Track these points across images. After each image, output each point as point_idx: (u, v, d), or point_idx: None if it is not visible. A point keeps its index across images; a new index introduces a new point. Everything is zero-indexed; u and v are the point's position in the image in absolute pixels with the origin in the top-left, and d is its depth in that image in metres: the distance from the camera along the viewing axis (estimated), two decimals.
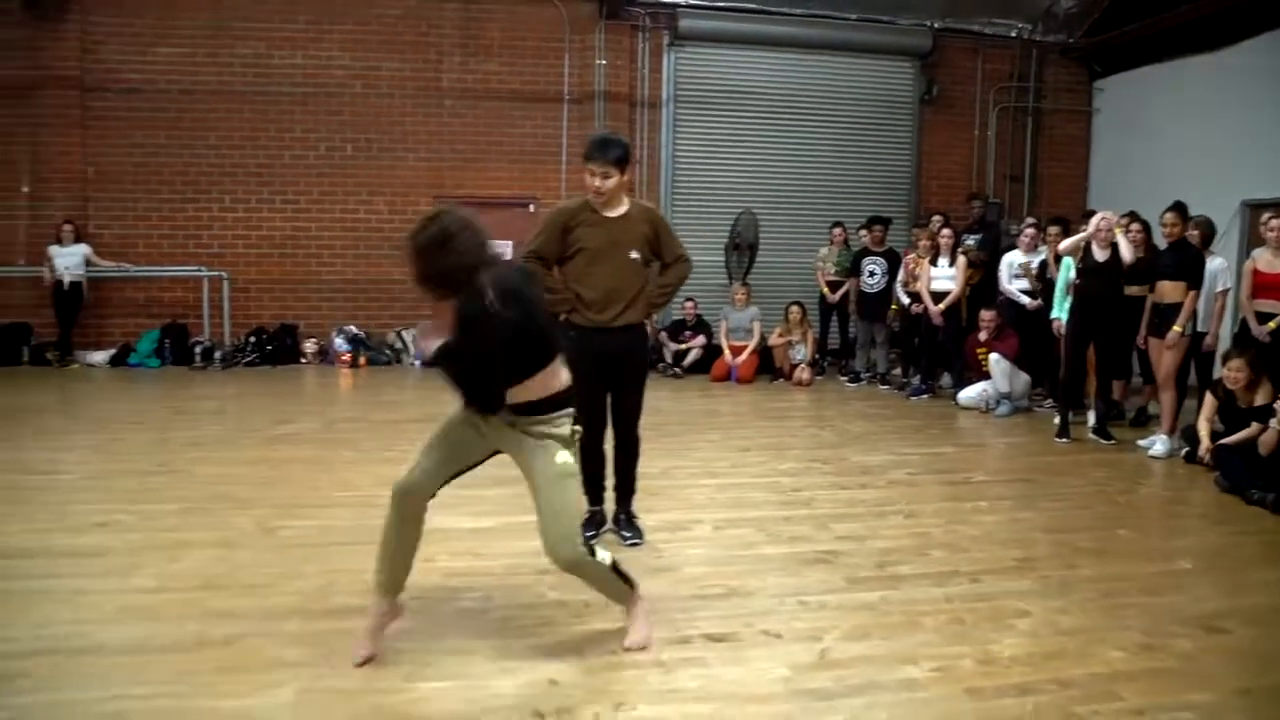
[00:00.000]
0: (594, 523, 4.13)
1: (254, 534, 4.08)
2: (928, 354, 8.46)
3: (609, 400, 4.04)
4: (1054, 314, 7.00)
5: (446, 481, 2.94)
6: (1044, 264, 7.59)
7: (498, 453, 2.99)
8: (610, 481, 4.18)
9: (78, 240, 9.36)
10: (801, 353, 9.35)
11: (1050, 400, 7.69)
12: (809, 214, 10.74)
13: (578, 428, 2.92)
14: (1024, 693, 2.72)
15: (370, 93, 10.27)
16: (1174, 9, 9.66)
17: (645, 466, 5.30)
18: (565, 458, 2.82)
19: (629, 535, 4.09)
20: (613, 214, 3.87)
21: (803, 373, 9.16)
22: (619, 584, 2.96)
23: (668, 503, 4.69)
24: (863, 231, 9.39)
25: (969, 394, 7.71)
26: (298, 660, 2.82)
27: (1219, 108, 9.38)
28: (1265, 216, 6.31)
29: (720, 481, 5.18)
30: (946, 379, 8.64)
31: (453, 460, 2.92)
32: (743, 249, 10.27)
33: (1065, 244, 6.58)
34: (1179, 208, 6.21)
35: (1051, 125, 11.67)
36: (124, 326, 9.95)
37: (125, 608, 3.21)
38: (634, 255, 3.90)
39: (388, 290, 10.40)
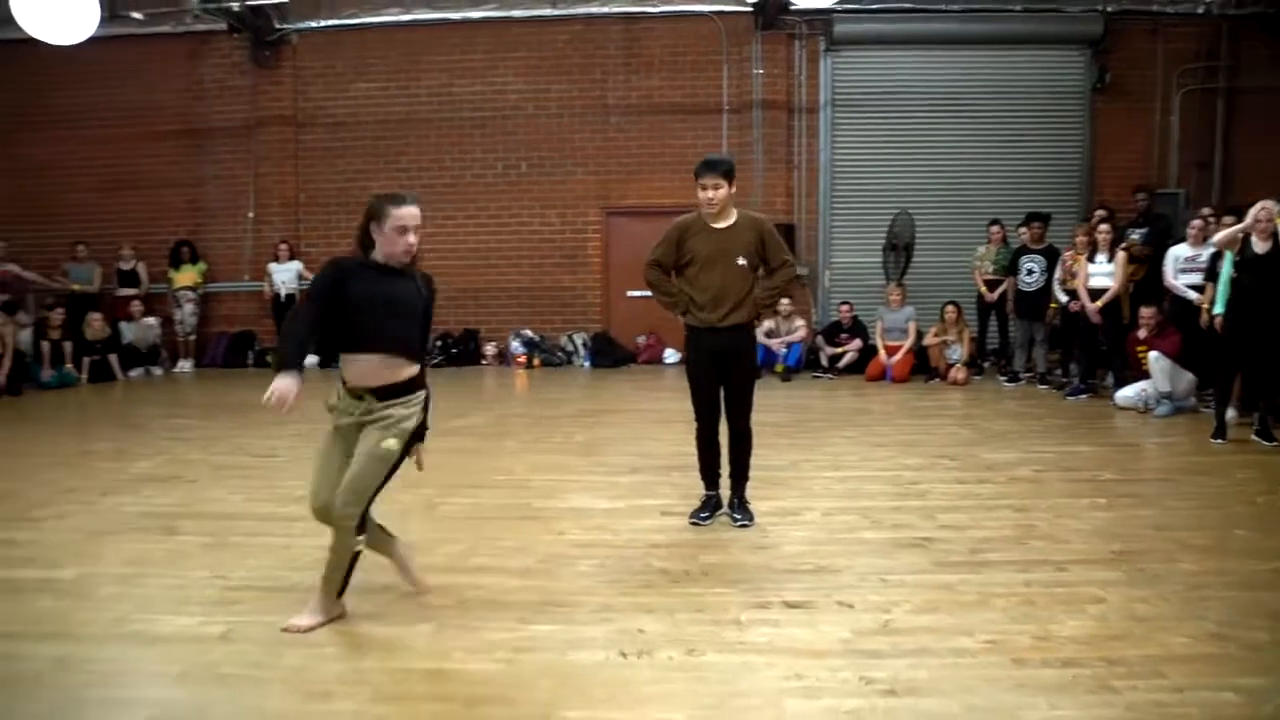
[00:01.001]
0: (710, 505, 4.55)
1: (419, 508, 4.79)
2: (1086, 353, 8.23)
3: (722, 395, 4.45)
4: (1216, 310, 6.70)
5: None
6: (1214, 257, 7.23)
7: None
8: (726, 470, 4.57)
9: (292, 258, 10.78)
10: (957, 352, 9.31)
11: None
12: (968, 213, 10.61)
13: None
14: (1067, 665, 2.88)
15: (541, 114, 11.14)
16: None
17: (774, 458, 5.75)
18: (391, 443, 3.18)
19: (739, 518, 4.47)
20: (721, 225, 4.32)
21: (958, 372, 9.13)
22: (341, 576, 3.24)
23: (786, 491, 5.04)
24: (1021, 229, 9.22)
25: (1126, 394, 7.48)
26: (439, 605, 3.42)
27: None
28: None
29: (843, 474, 5.46)
30: (1109, 379, 8.36)
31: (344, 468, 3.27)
32: (899, 249, 10.31)
33: (1220, 235, 6.33)
34: None
35: (1246, 107, 10.86)
36: None
37: (316, 560, 3.91)
38: (741, 262, 4.31)
39: (560, 297, 11.24)
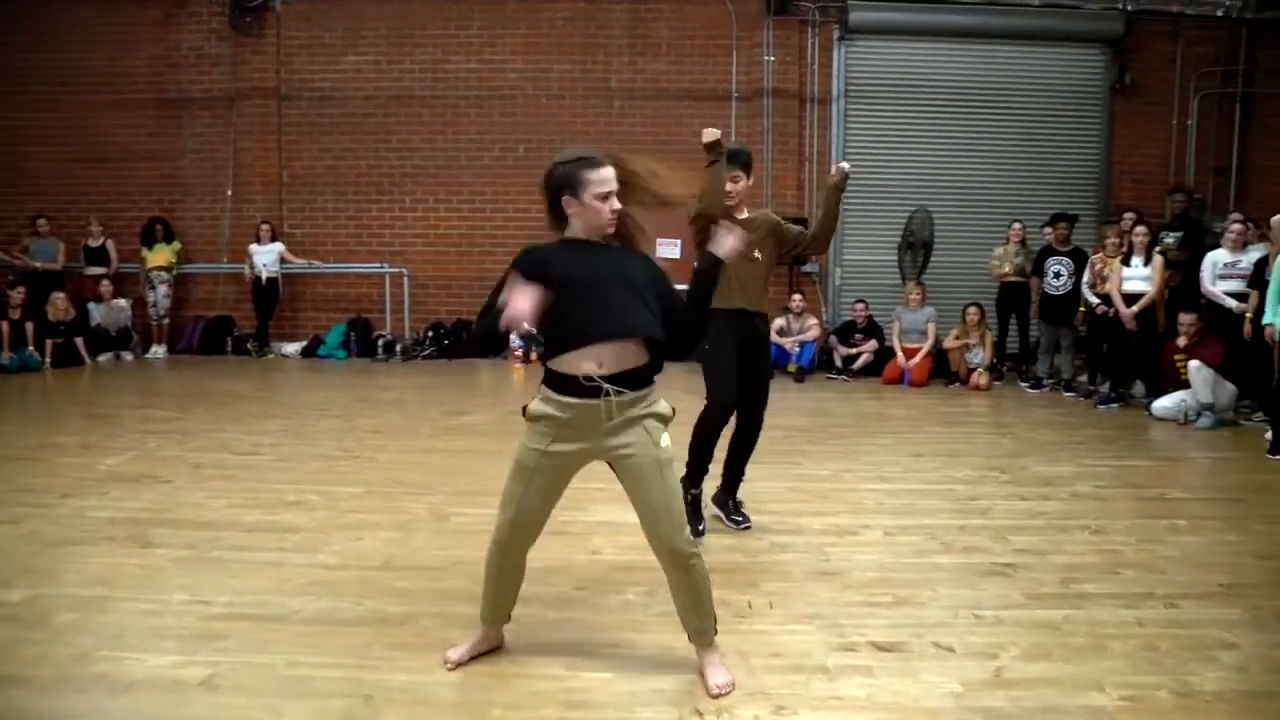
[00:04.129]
0: (699, 508, 4.15)
1: (429, 519, 4.27)
2: (1119, 360, 7.85)
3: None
4: (1267, 319, 6.33)
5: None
6: (1261, 263, 6.87)
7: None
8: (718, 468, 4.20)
9: (274, 239, 10.15)
10: (979, 356, 8.91)
11: (1260, 413, 6.97)
12: (986, 211, 10.24)
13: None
14: None
15: (541, 95, 10.59)
16: None
17: (814, 468, 5.32)
18: (669, 440, 2.62)
19: (742, 520, 4.15)
20: (739, 217, 4.03)
21: (980, 377, 8.73)
22: (712, 603, 2.69)
23: (836, 505, 4.57)
24: (1046, 230, 8.82)
25: (1165, 404, 7.10)
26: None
27: None
28: None
29: (891, 486, 5.00)
30: (1139, 388, 7.99)
31: (553, 500, 2.72)
32: (916, 247, 9.89)
33: (1277, 219, 5.92)
34: None
35: (1264, 112, 10.58)
36: (314, 320, 10.71)
37: (313, 582, 3.43)
38: (756, 255, 4.06)
39: None
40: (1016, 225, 9.19)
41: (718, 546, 3.93)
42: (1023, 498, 4.82)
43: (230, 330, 10.36)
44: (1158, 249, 7.71)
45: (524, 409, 2.68)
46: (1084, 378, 8.79)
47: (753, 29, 10.48)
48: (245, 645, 2.88)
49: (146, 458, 5.37)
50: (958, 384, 8.92)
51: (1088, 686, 2.69)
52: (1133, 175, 10.54)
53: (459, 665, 2.74)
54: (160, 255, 10.03)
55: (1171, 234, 8.17)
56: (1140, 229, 7.71)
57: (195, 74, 10.43)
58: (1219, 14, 10.27)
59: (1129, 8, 10.19)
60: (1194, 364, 6.86)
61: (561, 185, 2.64)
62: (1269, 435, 6.14)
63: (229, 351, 10.24)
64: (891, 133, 10.60)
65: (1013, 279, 9.06)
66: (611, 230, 2.66)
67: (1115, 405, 7.70)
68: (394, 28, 10.44)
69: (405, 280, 10.55)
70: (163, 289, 10.03)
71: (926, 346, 9.13)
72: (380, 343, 10.25)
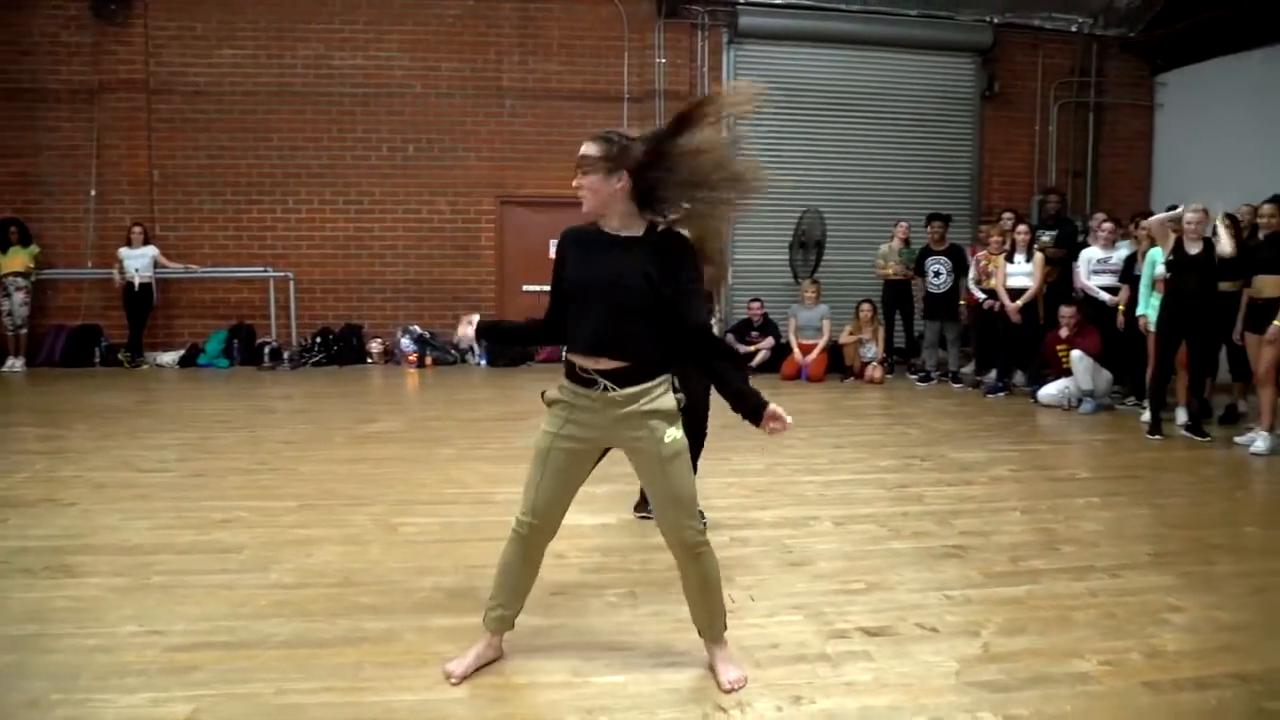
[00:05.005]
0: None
1: (377, 531, 4.09)
2: (1005, 352, 8.35)
3: None
4: (1140, 310, 6.89)
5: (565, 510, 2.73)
6: (1130, 259, 7.46)
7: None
8: None
9: (146, 242, 9.48)
10: (872, 350, 9.28)
11: (1132, 398, 7.58)
12: (871, 211, 10.67)
13: (680, 395, 2.66)
14: (1202, 687, 2.66)
15: (431, 93, 10.32)
16: (1236, 1, 9.49)
17: (747, 463, 5.38)
18: (675, 434, 2.58)
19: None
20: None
21: (874, 371, 9.10)
22: (722, 601, 2.72)
23: (780, 499, 4.67)
24: (927, 229, 9.29)
25: (1050, 391, 7.61)
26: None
27: None
28: None
29: (825, 478, 5.15)
30: (1019, 377, 8.54)
31: (571, 485, 2.70)
32: (809, 246, 10.22)
33: (1152, 220, 6.45)
34: (1278, 200, 6.08)
35: (1113, 121, 11.51)
36: (192, 327, 10.08)
37: (275, 603, 3.23)
38: None
39: (451, 290, 10.47)
40: (902, 224, 9.63)
41: None
42: (949, 484, 5.06)
43: (98, 340, 9.59)
44: (1036, 246, 8.26)
45: (542, 394, 2.68)
46: (968, 369, 9.33)
47: (644, 31, 10.56)
48: (221, 676, 2.69)
49: (39, 480, 4.91)
50: (852, 378, 9.27)
51: (1068, 655, 2.86)
52: (1002, 177, 11.25)
53: (464, 679, 2.65)
54: (15, 260, 9.17)
55: (1048, 233, 8.76)
56: (1022, 228, 8.24)
57: (51, 63, 9.58)
58: (1074, 29, 11.09)
59: (996, 20, 10.86)
60: (1076, 353, 7.38)
61: None
62: (1145, 418, 6.69)
63: (97, 363, 9.47)
64: (780, 135, 10.85)
65: (897, 277, 9.48)
66: (587, 209, 2.57)
67: (1002, 394, 8.20)
68: (273, 21, 9.94)
69: (291, 284, 10.06)
70: (19, 296, 9.17)
71: (822, 342, 9.43)
72: (266, 350, 9.74)
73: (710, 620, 2.69)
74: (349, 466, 5.31)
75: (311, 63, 10.08)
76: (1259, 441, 5.92)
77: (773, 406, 2.50)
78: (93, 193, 9.72)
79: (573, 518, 3.95)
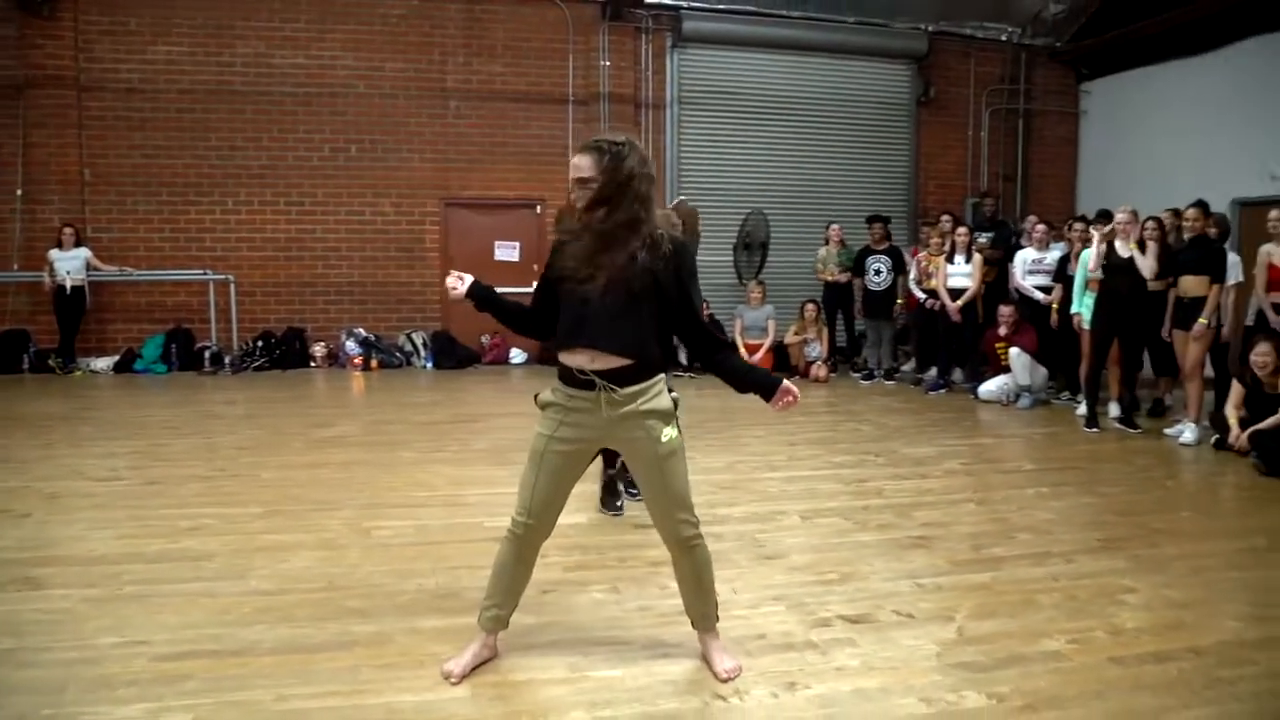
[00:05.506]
0: (614, 490, 4.47)
1: (351, 535, 4.07)
2: (946, 349, 8.64)
3: None
4: (1074, 309, 7.21)
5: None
6: (1064, 260, 7.79)
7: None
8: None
9: (79, 244, 9.16)
10: (817, 350, 9.50)
11: (1066, 392, 7.92)
12: (812, 213, 10.89)
13: (676, 395, 2.75)
14: (1162, 660, 2.85)
15: (374, 93, 10.20)
16: (1158, 15, 10.00)
17: (707, 461, 5.48)
18: (671, 433, 2.65)
19: (636, 493, 4.30)
20: None
21: (819, 370, 9.31)
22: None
23: (745, 495, 4.78)
24: (869, 230, 9.54)
25: (990, 388, 7.91)
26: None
27: (1203, 110, 9.75)
28: (1273, 214, 6.63)
29: (785, 474, 5.28)
30: (958, 373, 8.84)
31: (565, 486, 2.71)
32: (753, 248, 10.40)
33: (1107, 229, 6.72)
34: (1201, 205, 6.45)
35: (1041, 127, 11.99)
36: (126, 332, 9.77)
37: (258, 609, 3.20)
38: None
39: (396, 293, 10.37)
40: (834, 227, 9.86)
41: (655, 541, 4.01)
42: (905, 477, 5.25)
43: (26, 346, 9.22)
44: (975, 247, 8.56)
45: (535, 397, 2.70)
46: (907, 366, 9.62)
47: (589, 34, 10.61)
48: (215, 684, 2.66)
49: None
50: (798, 376, 9.46)
51: (1037, 635, 3.03)
52: (937, 180, 11.62)
53: (464, 678, 2.68)
54: None
55: (985, 234, 9.09)
56: (961, 230, 8.53)
57: None
58: (1004, 38, 11.52)
59: (931, 29, 11.21)
60: (1014, 350, 7.69)
61: None
62: (1081, 411, 7.01)
63: (25, 369, 9.11)
64: (723, 138, 11.08)
65: (835, 278, 9.71)
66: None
67: (943, 390, 8.48)
68: (210, 18, 9.70)
69: (231, 287, 9.83)
70: None
71: (768, 342, 9.62)
72: (206, 354, 9.50)
73: (704, 611, 2.77)
74: (310, 471, 5.25)
75: (251, 61, 9.86)
76: (1187, 433, 6.26)
77: (786, 383, 2.61)
78: (19, 192, 9.35)
79: None
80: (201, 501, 4.57)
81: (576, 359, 2.58)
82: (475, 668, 2.74)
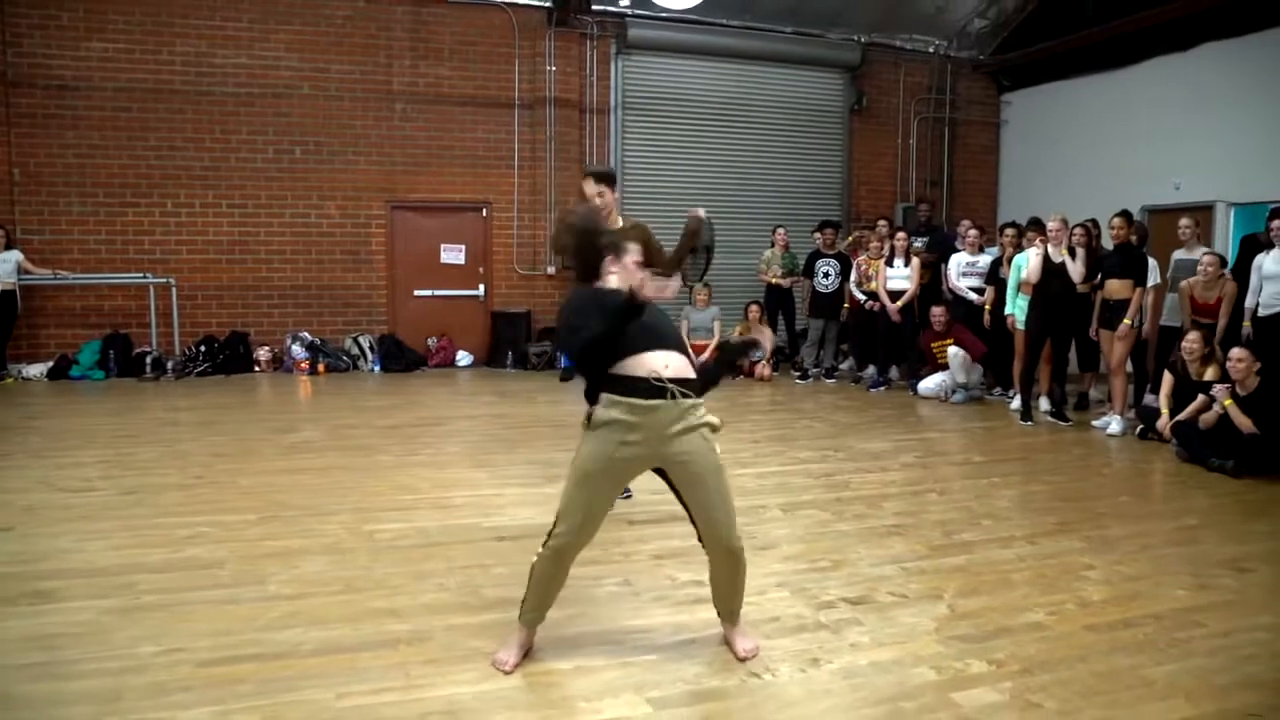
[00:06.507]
0: None
1: (354, 539, 4.16)
2: (885, 349, 9.07)
3: None
4: (1007, 310, 7.69)
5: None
6: (995, 263, 8.29)
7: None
8: None
9: (9, 246, 8.85)
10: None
11: (998, 388, 8.43)
12: (752, 217, 11.22)
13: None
14: (1130, 626, 3.22)
15: (319, 94, 10.11)
16: (1076, 32, 10.67)
17: None
18: (718, 449, 2.88)
19: (626, 493, 4.57)
20: (615, 226, 4.50)
21: (763, 369, 9.65)
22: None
23: None
24: (816, 234, 9.93)
25: (928, 385, 8.36)
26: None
27: (1115, 122, 10.44)
28: (1183, 221, 7.25)
29: (756, 470, 5.56)
30: (894, 371, 9.30)
31: (610, 503, 2.90)
32: (699, 251, 10.62)
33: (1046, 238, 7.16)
34: (1125, 214, 6.99)
35: (964, 135, 12.60)
36: (59, 337, 9.48)
37: (286, 614, 3.29)
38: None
39: (341, 296, 10.30)
40: (779, 230, 10.24)
41: (655, 535, 4.24)
42: (867, 470, 5.58)
43: None
44: (912, 252, 9.02)
45: (587, 417, 2.81)
46: (845, 365, 10.04)
47: (535, 39, 10.72)
48: (272, 686, 2.76)
49: None
50: (742, 376, 9.79)
51: (1019, 609, 3.36)
52: (869, 186, 12.10)
53: (516, 667, 2.85)
54: None
55: (920, 239, 9.56)
56: (900, 234, 8.98)
57: None
58: (931, 50, 12.08)
59: (864, 40, 11.69)
60: (953, 349, 8.15)
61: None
62: (1015, 406, 7.50)
63: None
64: (665, 143, 11.32)
65: (778, 281, 10.08)
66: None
67: (884, 388, 8.92)
68: (148, 14, 9.46)
69: (172, 291, 9.62)
70: None
71: (714, 343, 9.90)
72: (147, 360, 9.29)
73: (736, 605, 3.00)
74: (290, 478, 5.28)
75: (191, 60, 9.66)
76: (1113, 424, 6.78)
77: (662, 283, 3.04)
78: None
79: (545, 517, 4.22)
80: (188, 510, 4.57)
81: (650, 364, 2.70)
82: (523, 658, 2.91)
